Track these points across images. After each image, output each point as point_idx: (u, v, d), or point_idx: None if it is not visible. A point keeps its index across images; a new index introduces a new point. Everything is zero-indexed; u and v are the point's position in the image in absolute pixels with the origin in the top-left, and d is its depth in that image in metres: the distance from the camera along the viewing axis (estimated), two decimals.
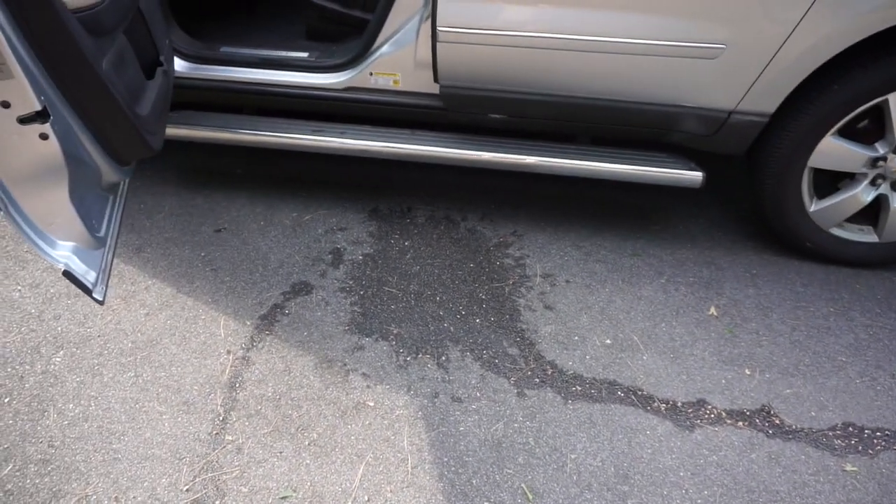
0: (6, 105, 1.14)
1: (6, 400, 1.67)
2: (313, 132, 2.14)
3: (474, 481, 1.50)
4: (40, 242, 1.31)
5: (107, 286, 1.45)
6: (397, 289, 2.00)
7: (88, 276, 1.38)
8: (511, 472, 1.52)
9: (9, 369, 1.74)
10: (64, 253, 1.35)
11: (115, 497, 1.46)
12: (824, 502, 1.47)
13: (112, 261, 1.52)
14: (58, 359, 1.78)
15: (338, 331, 1.86)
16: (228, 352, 1.79)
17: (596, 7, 1.73)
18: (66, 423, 1.62)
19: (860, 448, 1.59)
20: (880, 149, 1.89)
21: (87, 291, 1.37)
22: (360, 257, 2.11)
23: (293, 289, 1.99)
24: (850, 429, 1.63)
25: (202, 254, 2.11)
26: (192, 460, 1.54)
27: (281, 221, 2.25)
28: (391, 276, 2.04)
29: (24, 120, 1.16)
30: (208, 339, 1.83)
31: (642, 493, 1.48)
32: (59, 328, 1.86)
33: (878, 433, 1.62)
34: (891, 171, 1.91)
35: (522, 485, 1.50)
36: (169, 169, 2.49)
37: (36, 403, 1.66)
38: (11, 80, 1.11)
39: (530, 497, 1.47)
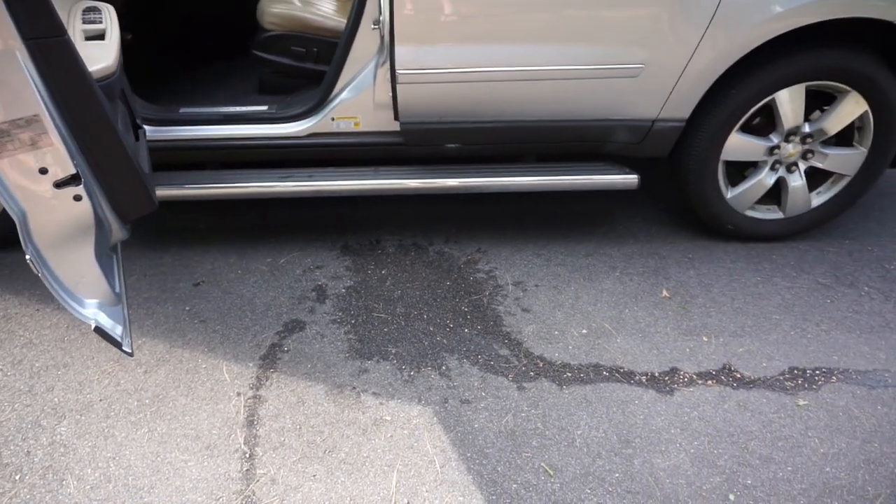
0: (44, 171, 1.21)
1: (17, 476, 1.64)
2: (281, 179, 2.25)
3: (499, 468, 1.65)
4: (71, 302, 1.36)
5: (131, 339, 1.50)
6: (385, 313, 2.13)
7: (116, 331, 1.43)
8: (529, 454, 1.68)
9: (12, 447, 1.71)
10: (92, 310, 1.40)
11: None
12: (789, 433, 1.74)
13: (128, 316, 1.57)
14: (62, 428, 1.76)
15: (339, 359, 1.96)
16: (238, 394, 1.85)
17: (535, 41, 1.99)
18: (88, 487, 1.61)
19: (806, 385, 1.88)
20: (774, 139, 2.26)
21: (118, 345, 1.42)
22: (343, 290, 2.23)
23: (286, 327, 2.08)
24: (796, 371, 1.93)
25: (186, 308, 2.15)
26: (230, 498, 1.58)
27: (257, 268, 2.33)
28: (377, 303, 2.17)
29: (59, 184, 1.23)
30: (214, 385, 1.88)
31: (645, 452, 1.69)
32: (56, 399, 1.84)
33: (818, 371, 1.92)
34: (785, 157, 2.29)
35: (542, 464, 1.66)
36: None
37: (51, 475, 1.64)
38: (50, 146, 1.19)
39: (551, 473, 1.64)
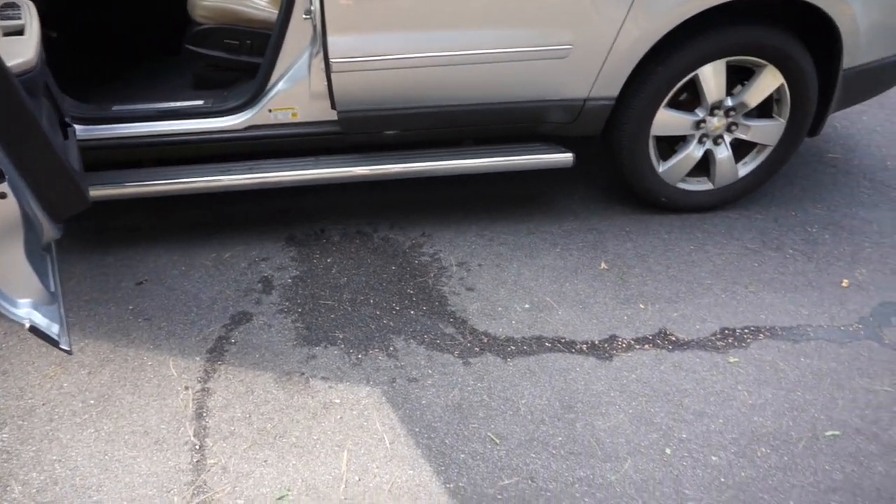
0: None
1: None
2: (221, 172, 2.25)
3: (447, 440, 1.70)
4: (2, 302, 1.34)
5: (69, 337, 1.49)
6: (332, 300, 2.15)
7: (52, 329, 1.42)
8: (476, 425, 1.74)
9: None
10: (25, 310, 1.39)
11: None
12: (720, 388, 1.84)
13: (64, 314, 1.55)
14: (4, 435, 1.73)
15: (287, 347, 1.98)
16: (186, 388, 1.85)
17: (464, 26, 2.04)
18: (34, 491, 1.60)
19: (736, 344, 1.99)
20: (700, 113, 2.36)
21: (55, 343, 1.42)
22: (290, 280, 2.24)
23: (233, 320, 2.08)
24: (726, 331, 2.03)
25: (130, 307, 2.13)
26: (181, 489, 1.59)
27: (202, 264, 2.32)
28: (323, 291, 2.19)
29: None
30: (161, 381, 1.87)
31: (586, 416, 1.76)
32: None
33: (746, 330, 2.03)
34: (711, 130, 2.39)
35: (488, 433, 1.72)
36: (66, 235, 2.44)
37: None
38: None
39: (497, 441, 1.70)
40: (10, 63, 1.30)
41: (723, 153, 2.43)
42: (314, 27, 2.08)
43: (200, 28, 2.36)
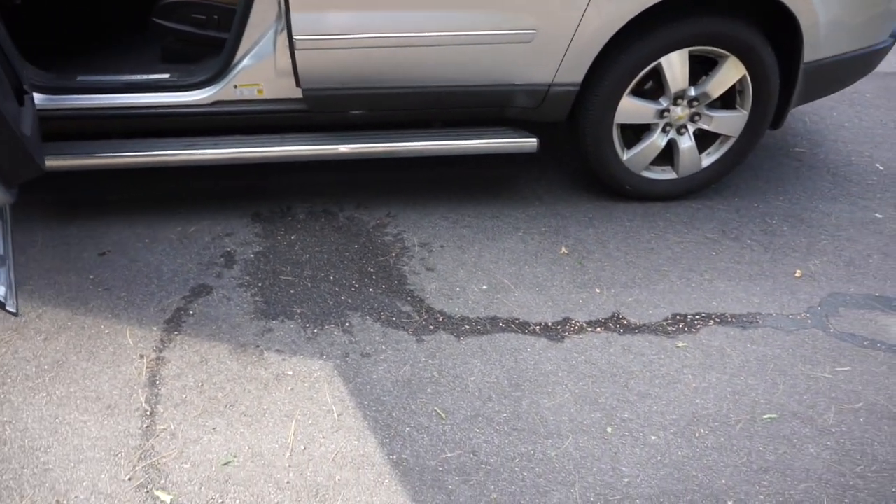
0: None
1: None
2: (186, 147, 2.25)
3: (394, 414, 1.73)
4: None
5: (17, 300, 1.51)
6: (293, 276, 2.18)
7: None
8: (423, 400, 1.77)
9: None
10: None
11: (56, 501, 1.51)
12: (667, 371, 1.88)
13: (14, 278, 1.57)
14: None
15: (244, 320, 2.00)
16: (141, 356, 1.87)
17: (428, 7, 2.05)
18: None
19: (686, 329, 2.03)
20: (663, 102, 2.38)
21: (0, 305, 1.43)
22: (252, 255, 2.26)
23: (192, 292, 2.10)
24: (678, 317, 2.07)
25: (90, 277, 2.15)
26: (128, 453, 1.62)
27: (166, 237, 2.33)
28: (285, 267, 2.21)
29: None
30: (117, 349, 1.89)
31: (533, 394, 1.80)
32: None
33: (697, 316, 2.07)
34: (674, 119, 2.42)
35: (435, 408, 1.75)
36: (30, 204, 2.44)
37: None
38: None
39: (443, 416, 1.73)
40: None
41: (686, 143, 2.46)
42: (279, 3, 2.08)
43: (167, 1, 2.36)
